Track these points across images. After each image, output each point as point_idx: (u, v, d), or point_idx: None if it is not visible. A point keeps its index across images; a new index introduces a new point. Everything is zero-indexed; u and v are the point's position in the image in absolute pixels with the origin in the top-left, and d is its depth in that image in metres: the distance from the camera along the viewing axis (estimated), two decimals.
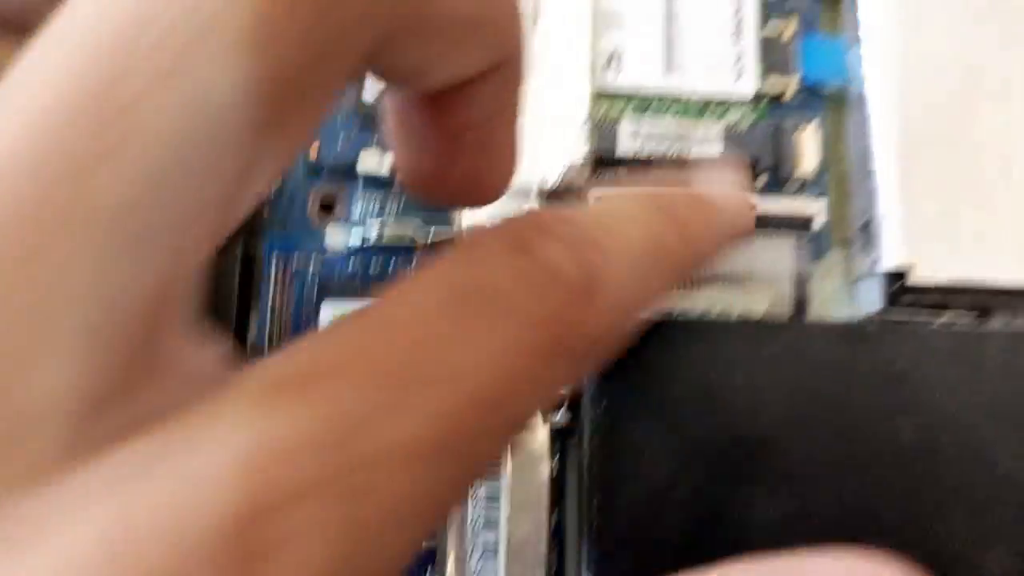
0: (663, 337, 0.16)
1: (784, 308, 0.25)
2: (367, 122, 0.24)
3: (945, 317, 0.25)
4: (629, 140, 0.24)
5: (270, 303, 0.23)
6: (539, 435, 0.22)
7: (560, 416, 0.23)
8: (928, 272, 0.24)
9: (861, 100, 0.25)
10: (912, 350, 0.20)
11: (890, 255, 0.24)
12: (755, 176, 0.25)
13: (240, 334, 0.23)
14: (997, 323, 0.25)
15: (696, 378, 0.16)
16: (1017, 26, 0.25)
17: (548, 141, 0.24)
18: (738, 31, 0.25)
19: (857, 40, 0.25)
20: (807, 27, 0.26)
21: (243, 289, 0.23)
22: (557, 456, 0.22)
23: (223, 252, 0.22)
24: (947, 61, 0.25)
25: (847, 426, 0.18)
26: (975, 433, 0.17)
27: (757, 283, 0.25)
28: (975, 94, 0.24)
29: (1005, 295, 0.24)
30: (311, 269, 0.23)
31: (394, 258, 0.24)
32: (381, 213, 0.24)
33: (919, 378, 0.19)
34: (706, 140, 0.24)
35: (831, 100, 0.26)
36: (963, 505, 0.16)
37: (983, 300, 0.25)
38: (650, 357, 0.16)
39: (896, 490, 0.16)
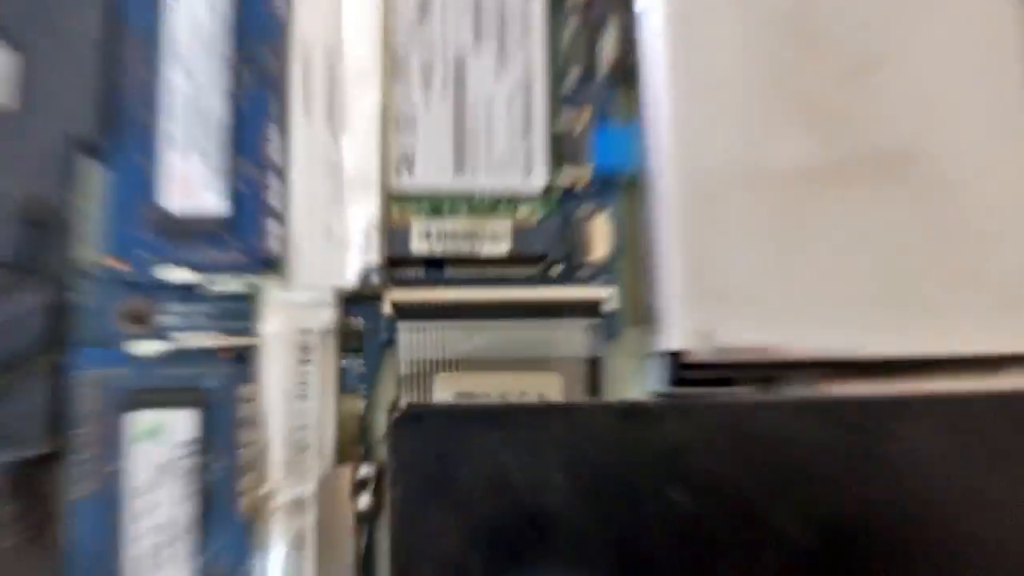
0: (451, 423, 0.18)
1: (579, 389, 0.26)
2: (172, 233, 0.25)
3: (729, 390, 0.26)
4: (421, 240, 0.26)
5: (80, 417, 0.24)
6: (346, 518, 0.24)
7: (365, 500, 0.24)
8: (703, 349, 0.25)
9: (647, 182, 0.26)
10: (686, 426, 0.21)
11: (670, 334, 0.26)
12: (547, 268, 0.26)
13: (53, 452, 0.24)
14: (769, 394, 0.26)
15: (482, 461, 0.18)
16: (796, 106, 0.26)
17: (342, 246, 0.25)
18: (528, 127, 0.27)
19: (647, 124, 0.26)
20: (602, 117, 0.27)
21: (55, 402, 0.24)
22: (365, 538, 0.24)
23: (30, 364, 0.24)
24: (725, 136, 0.26)
25: (629, 501, 0.20)
26: (750, 498, 0.19)
27: (551, 366, 0.26)
28: (757, 172, 0.26)
29: (784, 367, 0.26)
30: (118, 382, 0.25)
31: (199, 366, 0.25)
32: (186, 324, 0.25)
33: (695, 451, 0.21)
34: (496, 236, 0.26)
35: (626, 187, 0.27)
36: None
37: (764, 372, 0.26)
38: (440, 443, 0.18)
39: (675, 558, 0.18)
